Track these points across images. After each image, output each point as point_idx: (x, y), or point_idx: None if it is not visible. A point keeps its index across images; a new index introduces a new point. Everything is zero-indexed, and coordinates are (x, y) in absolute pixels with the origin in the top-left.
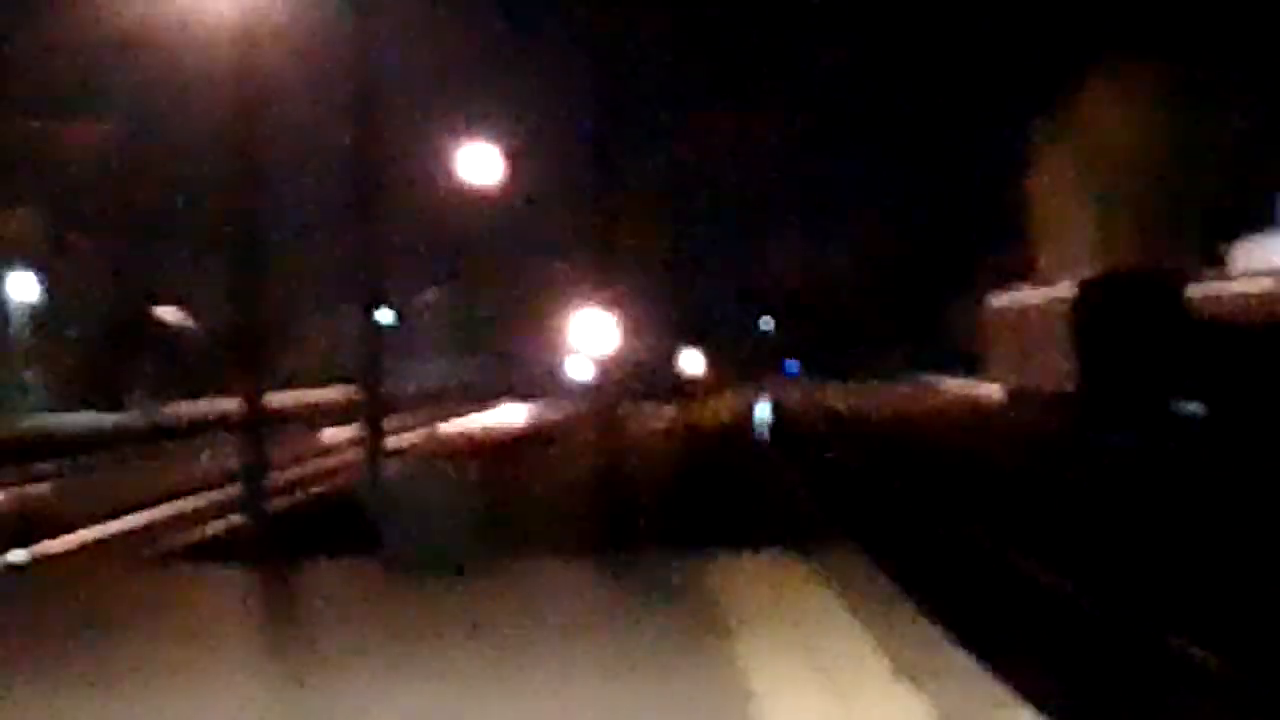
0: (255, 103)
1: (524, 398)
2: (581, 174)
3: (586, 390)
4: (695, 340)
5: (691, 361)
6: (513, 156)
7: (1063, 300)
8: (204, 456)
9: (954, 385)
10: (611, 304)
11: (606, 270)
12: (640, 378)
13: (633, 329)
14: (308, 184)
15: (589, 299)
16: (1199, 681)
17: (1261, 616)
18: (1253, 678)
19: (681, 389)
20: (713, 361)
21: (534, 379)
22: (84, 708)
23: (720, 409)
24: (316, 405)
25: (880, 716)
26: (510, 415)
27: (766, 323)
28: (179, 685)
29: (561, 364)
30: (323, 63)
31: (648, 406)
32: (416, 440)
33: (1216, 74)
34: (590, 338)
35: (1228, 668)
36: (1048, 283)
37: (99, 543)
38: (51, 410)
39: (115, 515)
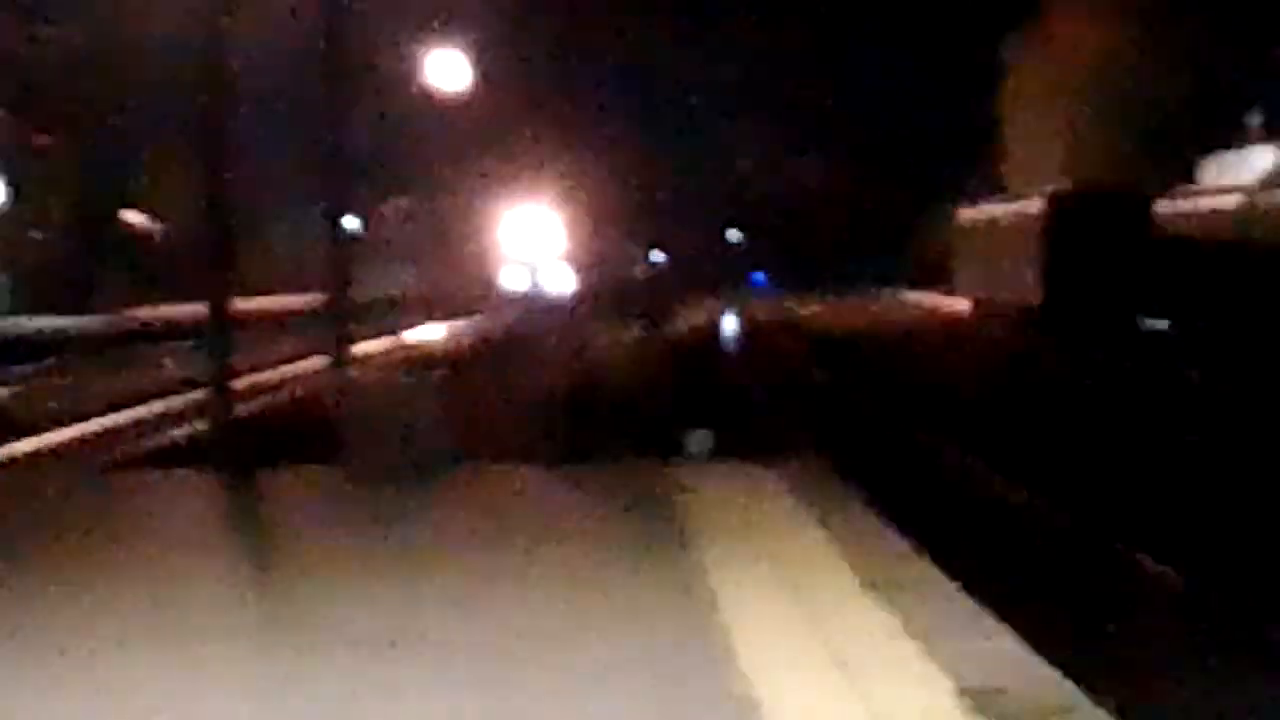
0: (223, 4)
1: (447, 315)
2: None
3: (521, 303)
4: (660, 250)
5: (650, 270)
6: (482, 62)
7: (1031, 215)
8: (169, 362)
9: (922, 299)
10: (561, 206)
11: (567, 177)
12: (592, 288)
13: (592, 237)
14: (276, 88)
15: (530, 197)
16: (1158, 596)
17: (1221, 532)
18: (1211, 592)
19: (636, 299)
20: (678, 271)
21: (467, 290)
22: (47, 615)
23: (683, 322)
24: (282, 311)
25: (847, 627)
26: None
27: (734, 235)
28: (149, 581)
29: (493, 271)
30: None
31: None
32: (382, 348)
33: None
34: (530, 241)
35: (1186, 583)
36: (1017, 197)
37: (63, 446)
38: (15, 313)
39: (79, 419)
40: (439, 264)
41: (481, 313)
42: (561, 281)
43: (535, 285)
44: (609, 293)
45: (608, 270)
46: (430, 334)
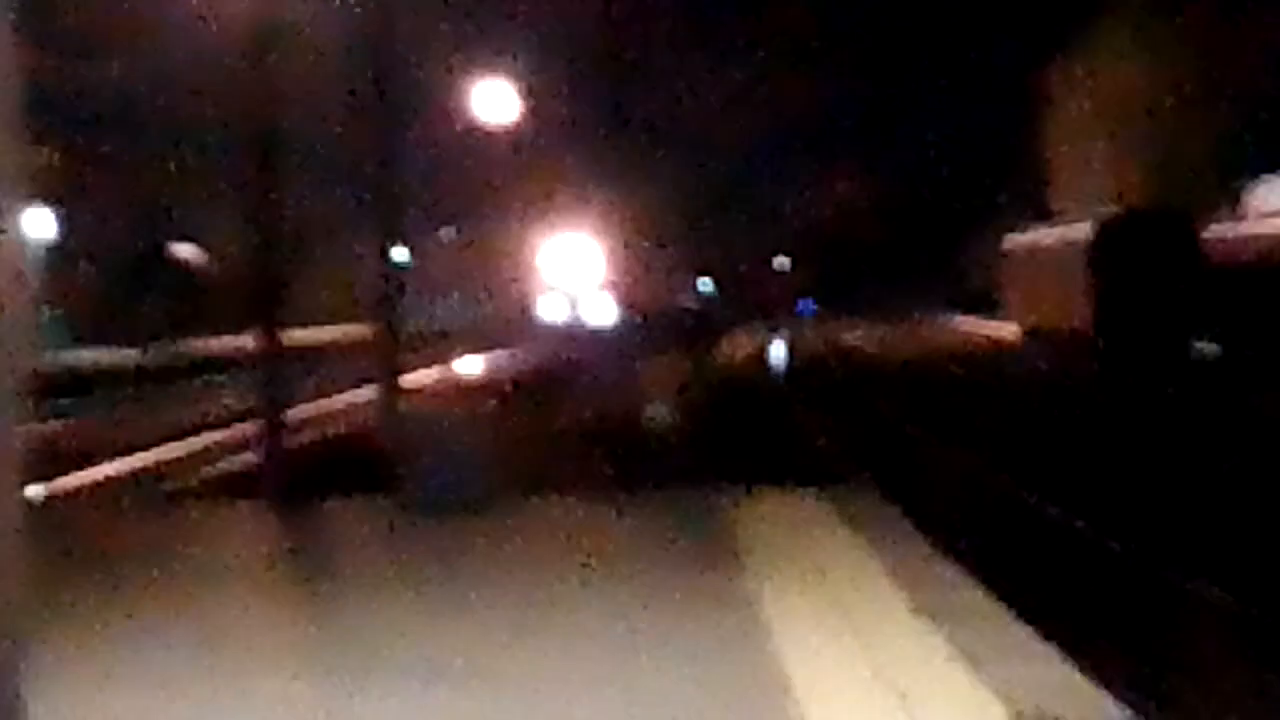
0: (272, 41)
1: (474, 348)
2: (600, 110)
3: (559, 335)
4: (708, 277)
5: (697, 300)
6: (530, 92)
7: (1080, 240)
8: (221, 394)
9: (971, 324)
10: (604, 234)
11: (612, 205)
12: (633, 319)
13: (636, 265)
14: (324, 122)
15: (573, 225)
16: (1210, 618)
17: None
18: (1269, 622)
19: (683, 331)
20: (726, 299)
21: (499, 320)
22: (100, 643)
23: (729, 353)
24: (332, 343)
25: (897, 652)
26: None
27: (782, 261)
28: (194, 616)
29: (533, 302)
30: None
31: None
32: (432, 378)
33: (1234, 13)
34: (570, 270)
35: (1238, 607)
36: (1065, 222)
37: (118, 478)
38: (64, 346)
39: (134, 450)
40: (485, 294)
41: (504, 348)
42: (603, 312)
43: (575, 316)
44: (654, 324)
45: (652, 299)
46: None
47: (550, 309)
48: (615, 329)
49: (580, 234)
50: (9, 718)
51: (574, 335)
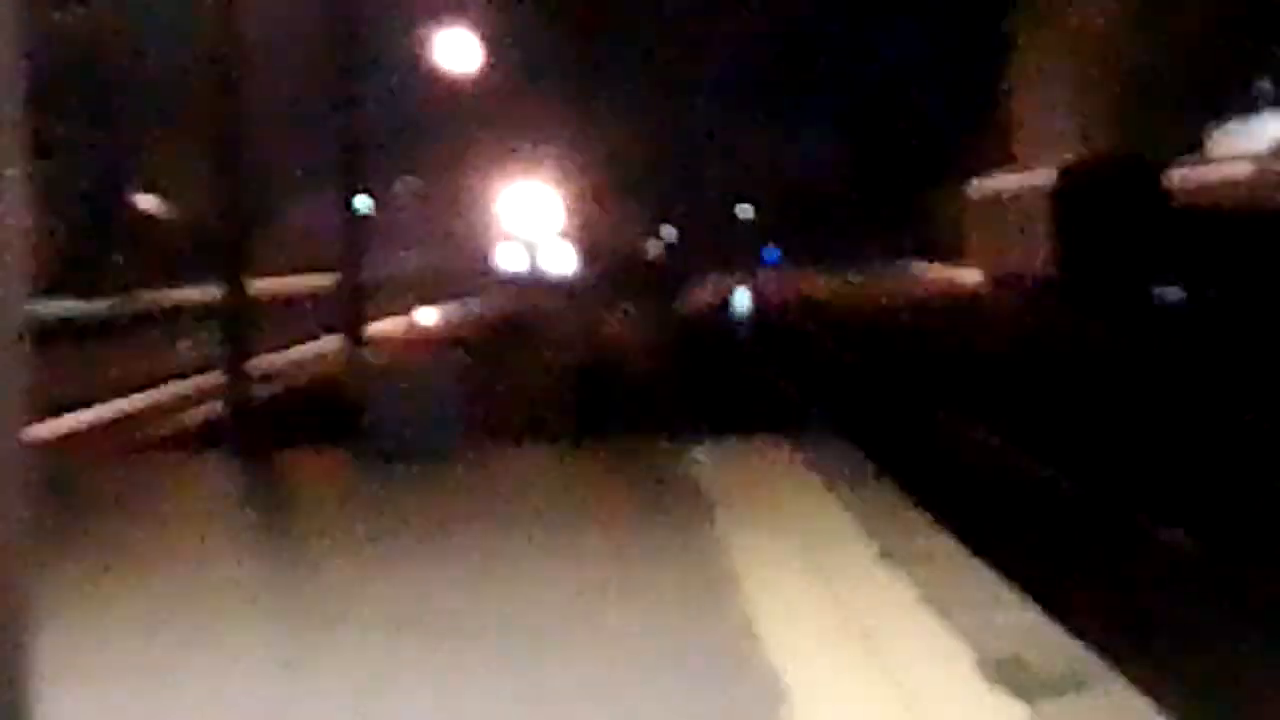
0: None
1: (433, 298)
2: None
3: (518, 284)
4: (670, 225)
5: (660, 247)
6: (491, 39)
7: (1045, 185)
8: (182, 345)
9: (936, 271)
10: (564, 182)
11: (573, 153)
12: (594, 268)
13: (598, 213)
14: (286, 69)
15: (533, 173)
16: (1176, 564)
17: (1229, 498)
18: (1228, 560)
19: (646, 279)
20: (687, 248)
21: (458, 269)
22: (73, 586)
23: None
24: (296, 293)
25: (864, 597)
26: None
27: (745, 210)
28: (158, 567)
29: (492, 250)
30: None
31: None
32: (395, 329)
33: None
34: (530, 218)
35: (1205, 552)
36: (1028, 169)
37: (82, 430)
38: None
39: (96, 401)
40: (445, 244)
41: (464, 297)
42: (562, 260)
43: (534, 265)
44: (615, 272)
45: (614, 247)
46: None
47: (509, 258)
48: (575, 277)
49: (540, 182)
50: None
51: (533, 284)
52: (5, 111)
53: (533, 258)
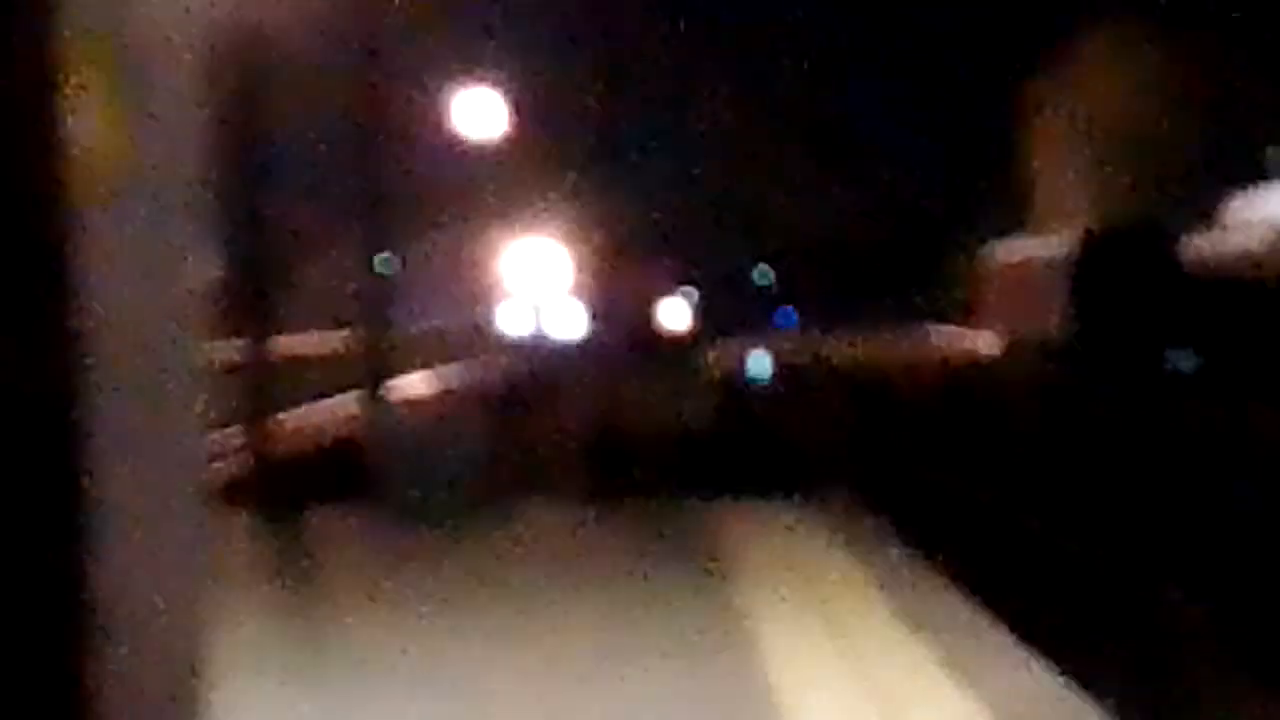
0: (254, 47)
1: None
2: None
3: (531, 346)
4: (690, 286)
5: (672, 314)
6: (517, 102)
7: (1061, 252)
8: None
9: (951, 335)
10: (581, 241)
11: (593, 211)
12: (598, 332)
13: (613, 273)
14: (310, 130)
15: (537, 229)
16: (1190, 630)
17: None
18: (1242, 626)
19: (662, 341)
20: (705, 309)
21: (447, 333)
22: None
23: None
24: (316, 350)
25: (881, 660)
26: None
27: (764, 274)
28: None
29: (490, 313)
30: (323, 5)
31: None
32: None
33: (1212, 31)
34: (533, 276)
35: (1218, 618)
36: (1045, 234)
37: None
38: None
39: None
40: (462, 303)
41: (475, 358)
42: (571, 323)
43: (538, 327)
44: (633, 335)
45: (626, 308)
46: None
47: (523, 318)
48: (591, 338)
49: (557, 242)
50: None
51: (548, 345)
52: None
53: (548, 319)
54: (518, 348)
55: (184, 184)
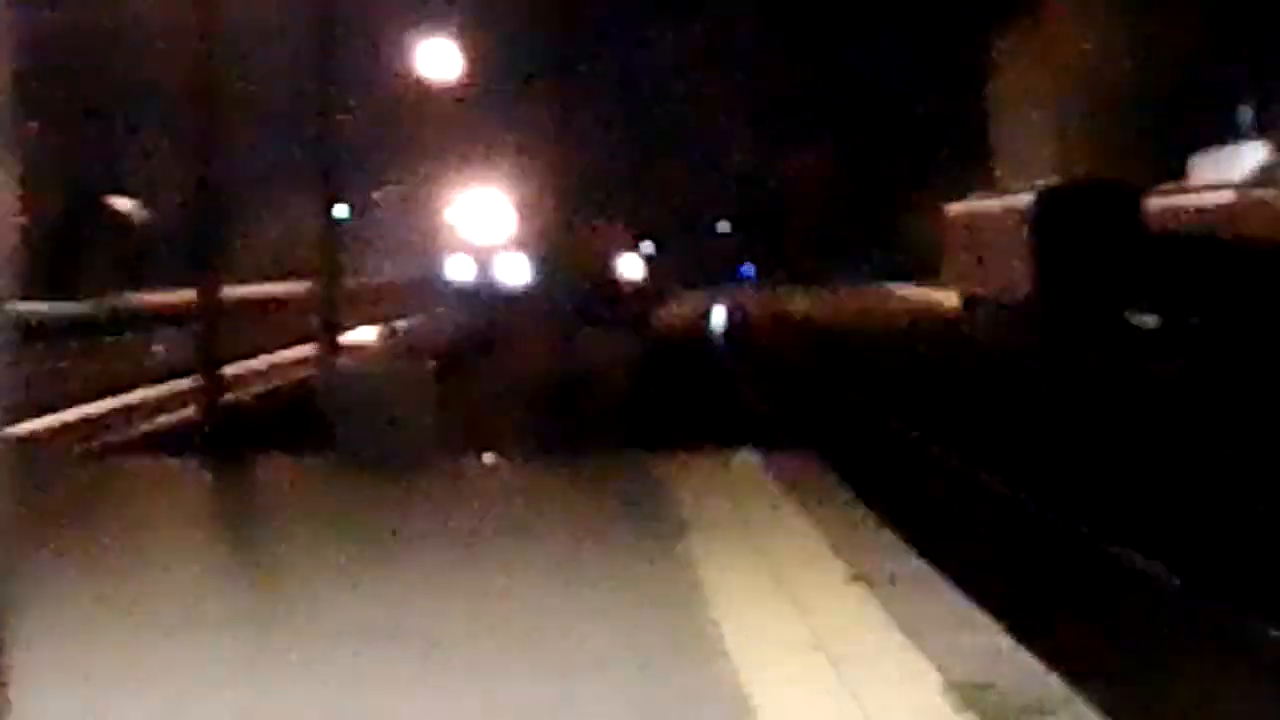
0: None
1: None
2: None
3: (487, 297)
4: (649, 240)
5: (630, 265)
6: (473, 48)
7: (1021, 210)
8: (158, 349)
9: (911, 292)
10: (543, 195)
11: (552, 164)
12: (571, 283)
13: (573, 226)
14: (268, 73)
15: (502, 185)
16: (1147, 590)
17: (1209, 527)
18: (1200, 588)
19: (623, 294)
20: (666, 264)
21: (428, 281)
22: (44, 588)
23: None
24: (273, 299)
25: (834, 619)
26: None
27: (723, 226)
28: (131, 569)
29: (439, 265)
30: None
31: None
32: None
33: None
34: (500, 230)
35: (1174, 578)
36: (1007, 192)
37: (56, 431)
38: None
39: (70, 404)
40: (417, 254)
41: (431, 309)
42: (535, 274)
43: (506, 278)
44: (592, 287)
45: (590, 261)
46: None
47: (481, 269)
48: (549, 291)
49: (514, 194)
50: None
51: (505, 296)
52: None
53: (505, 270)
54: (472, 300)
55: None
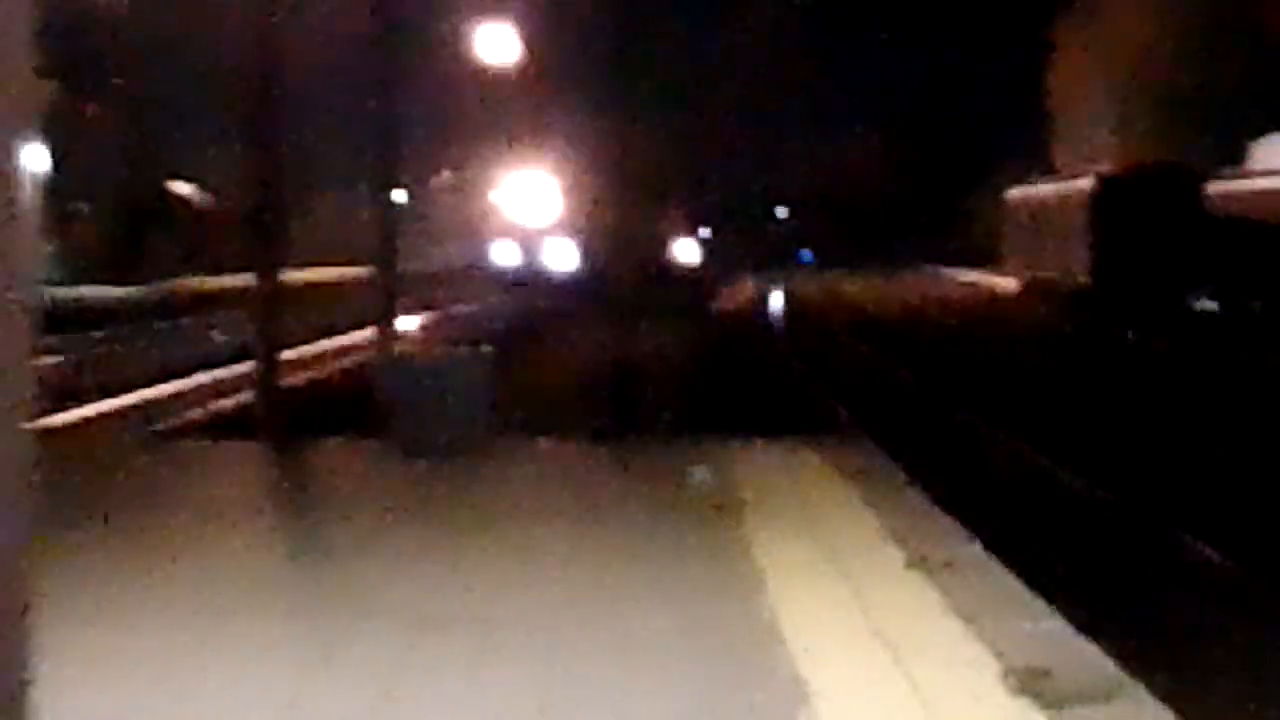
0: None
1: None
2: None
3: (546, 284)
4: (704, 225)
5: (687, 250)
6: (531, 34)
7: (1081, 194)
8: (218, 333)
9: (970, 277)
10: (602, 182)
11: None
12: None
13: (633, 214)
14: (328, 60)
15: (561, 172)
16: (1205, 580)
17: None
18: (1260, 576)
19: (678, 278)
20: (721, 250)
21: (485, 267)
22: (98, 575)
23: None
24: (331, 284)
25: (891, 605)
26: None
27: (782, 211)
28: (190, 551)
29: (485, 250)
30: None
31: None
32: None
33: None
34: (558, 216)
35: (1236, 569)
36: (1067, 177)
37: (116, 416)
38: (60, 284)
39: (134, 388)
40: (475, 241)
41: (489, 295)
42: (564, 260)
43: (533, 263)
44: (651, 272)
45: (649, 247)
46: None
47: (541, 256)
48: (608, 276)
49: (573, 181)
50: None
51: (563, 283)
52: (11, 94)
53: (565, 257)
54: (529, 285)
55: None
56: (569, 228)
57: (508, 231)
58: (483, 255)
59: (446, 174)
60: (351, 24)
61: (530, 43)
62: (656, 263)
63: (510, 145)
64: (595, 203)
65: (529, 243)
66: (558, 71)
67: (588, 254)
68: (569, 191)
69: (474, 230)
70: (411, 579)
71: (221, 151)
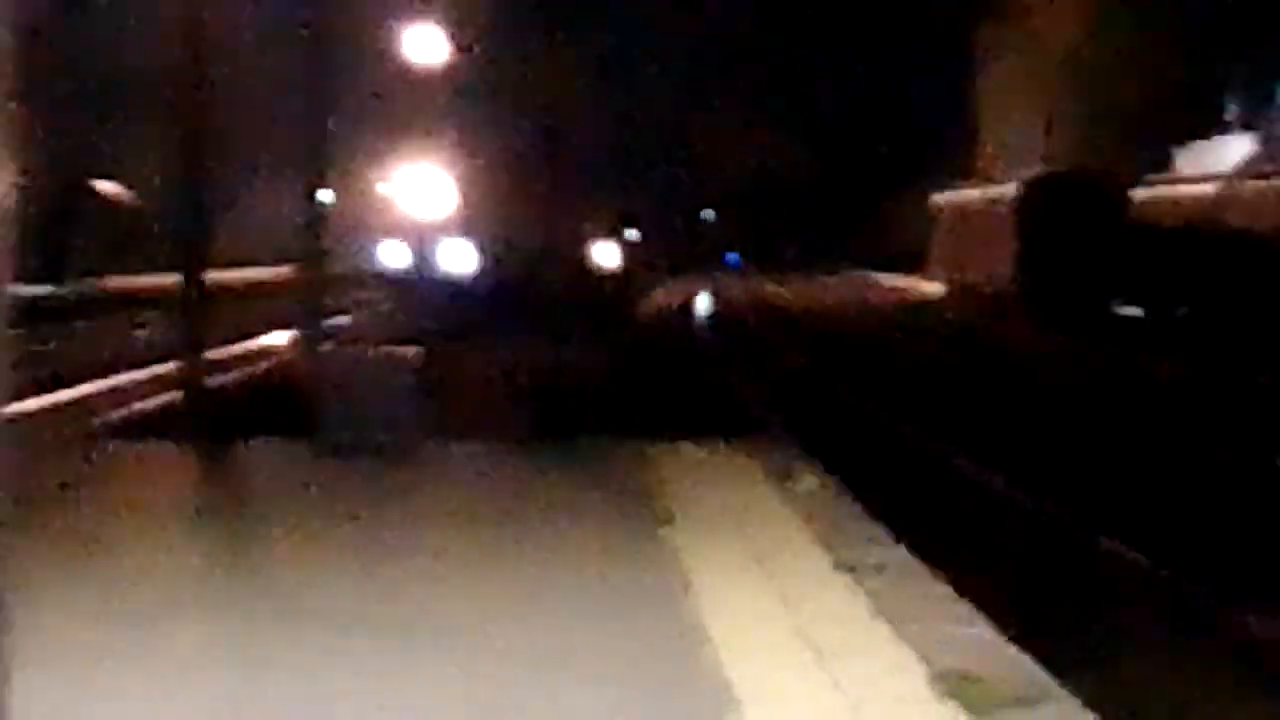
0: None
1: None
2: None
3: (452, 290)
4: (628, 227)
5: (605, 253)
6: (458, 34)
7: (1006, 200)
8: (141, 333)
9: (894, 281)
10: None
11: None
12: (559, 272)
13: (562, 216)
14: (255, 58)
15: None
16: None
17: (1192, 519)
18: (1183, 579)
19: (606, 283)
20: (643, 251)
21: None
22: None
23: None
24: (255, 284)
25: (817, 609)
26: None
27: (707, 213)
28: (112, 553)
29: (372, 250)
30: None
31: None
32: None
33: None
34: (473, 217)
35: (1155, 568)
36: (992, 182)
37: (36, 415)
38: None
39: (52, 388)
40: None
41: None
42: (463, 262)
43: (428, 265)
44: (574, 274)
45: (578, 251)
46: None
47: (454, 257)
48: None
49: (491, 181)
50: None
51: (499, 281)
52: None
53: (493, 256)
54: (451, 287)
55: None
56: (469, 227)
57: (401, 231)
58: (369, 256)
59: (375, 173)
60: (279, 22)
61: (456, 45)
62: (574, 265)
63: (410, 141)
64: (500, 202)
65: (423, 242)
66: (486, 70)
67: (488, 255)
68: (473, 189)
69: (364, 230)
70: (337, 582)
71: (145, 150)
